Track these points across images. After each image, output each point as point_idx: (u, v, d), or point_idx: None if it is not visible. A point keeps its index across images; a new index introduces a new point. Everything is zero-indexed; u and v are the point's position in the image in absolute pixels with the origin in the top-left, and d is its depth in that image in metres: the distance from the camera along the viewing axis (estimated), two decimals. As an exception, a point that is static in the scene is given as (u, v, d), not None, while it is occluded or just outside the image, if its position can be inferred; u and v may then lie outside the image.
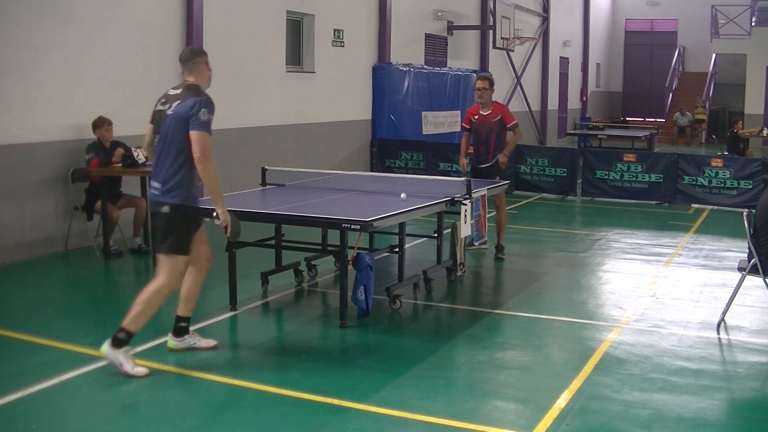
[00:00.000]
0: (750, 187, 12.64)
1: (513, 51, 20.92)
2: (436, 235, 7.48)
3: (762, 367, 5.49)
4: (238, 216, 5.58)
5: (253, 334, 6.16)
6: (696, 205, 12.94)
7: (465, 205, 7.05)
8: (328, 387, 4.92)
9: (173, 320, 5.57)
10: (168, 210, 5.17)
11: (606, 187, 13.60)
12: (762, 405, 4.94)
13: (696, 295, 7.33)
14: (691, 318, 6.58)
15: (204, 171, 5.09)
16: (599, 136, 22.82)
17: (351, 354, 5.75)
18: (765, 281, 6.09)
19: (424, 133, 16.05)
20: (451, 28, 18.20)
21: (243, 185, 8.53)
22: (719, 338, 6.11)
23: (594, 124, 26.64)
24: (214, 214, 5.22)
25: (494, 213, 8.96)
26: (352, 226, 5.84)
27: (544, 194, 13.93)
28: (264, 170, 7.83)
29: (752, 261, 6.13)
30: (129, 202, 8.81)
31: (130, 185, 8.97)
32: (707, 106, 28.00)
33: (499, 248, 8.79)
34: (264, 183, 7.78)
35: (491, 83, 8.73)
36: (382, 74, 14.97)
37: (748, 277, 6.25)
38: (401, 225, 6.80)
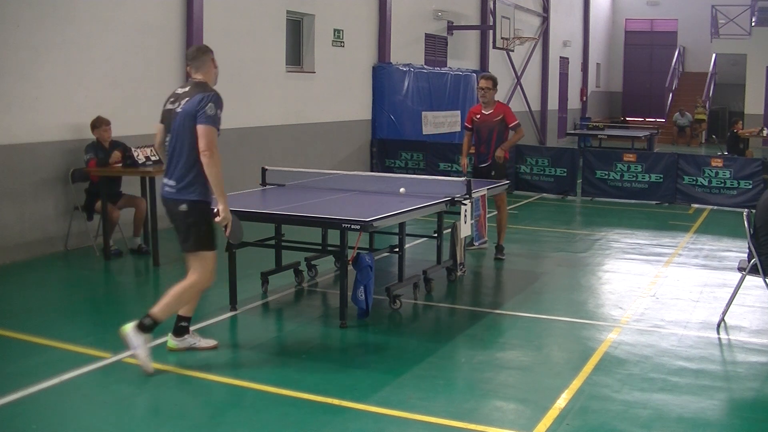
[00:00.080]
0: (750, 187, 12.64)
1: (513, 51, 20.92)
2: (436, 235, 7.48)
3: (762, 367, 5.50)
4: (240, 217, 5.57)
5: (253, 334, 6.16)
6: (696, 205, 12.94)
7: (465, 205, 7.05)
8: (328, 387, 4.92)
9: (173, 320, 5.56)
10: (186, 208, 5.20)
11: (606, 187, 13.60)
12: (762, 405, 4.94)
13: (696, 295, 7.33)
14: (691, 318, 6.58)
15: (208, 165, 5.10)
16: (599, 136, 22.82)
17: (351, 354, 5.75)
18: (765, 281, 6.09)
19: (424, 133, 16.05)
20: (451, 28, 18.20)
21: (243, 185, 8.53)
22: (719, 338, 6.11)
23: (594, 124, 26.64)
24: (215, 210, 5.21)
25: (495, 213, 8.96)
26: (352, 226, 5.84)
27: (544, 194, 13.93)
28: (264, 170, 7.83)
29: (752, 261, 6.13)
30: (129, 202, 8.81)
31: (130, 185, 8.97)
32: (707, 106, 28.00)
33: (499, 248, 8.79)
34: (264, 183, 7.78)
35: (495, 83, 8.73)
36: (382, 74, 14.97)
37: (748, 277, 6.26)
38: (401, 225, 6.80)
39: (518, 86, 22.41)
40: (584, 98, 29.37)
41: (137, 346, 5.11)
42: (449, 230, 7.64)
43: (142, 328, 5.15)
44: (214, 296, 6.73)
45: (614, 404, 4.76)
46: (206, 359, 5.42)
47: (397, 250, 7.00)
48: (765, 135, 19.27)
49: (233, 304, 6.57)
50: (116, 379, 5.12)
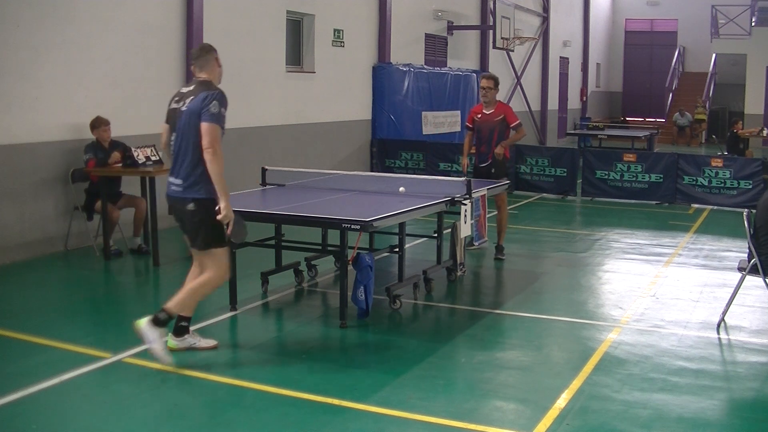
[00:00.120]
0: (750, 187, 12.64)
1: (513, 51, 20.92)
2: (436, 235, 7.48)
3: (762, 367, 5.50)
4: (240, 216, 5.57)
5: (253, 334, 6.16)
6: (696, 205, 12.94)
7: (465, 205, 7.05)
8: (328, 387, 4.93)
9: (174, 320, 5.56)
10: (193, 207, 5.23)
11: (606, 187, 13.60)
12: (762, 405, 4.94)
13: (696, 295, 7.33)
14: (691, 318, 6.58)
15: (211, 162, 5.11)
16: (599, 136, 22.81)
17: (351, 354, 5.75)
18: (765, 281, 6.09)
19: (424, 133, 16.05)
20: (451, 28, 18.20)
21: (243, 185, 8.53)
22: (719, 338, 6.11)
23: (594, 124, 26.64)
24: (217, 207, 5.21)
25: (495, 213, 8.96)
26: (352, 226, 5.84)
27: (544, 194, 13.93)
28: (264, 170, 7.83)
29: (752, 261, 6.13)
30: (129, 202, 8.81)
31: (130, 185, 8.97)
32: (707, 106, 28.00)
33: (499, 249, 8.79)
34: (264, 183, 7.78)
35: (496, 83, 8.73)
36: (382, 74, 14.97)
37: (748, 277, 6.26)
38: (401, 225, 6.80)
39: (518, 86, 22.41)
40: (584, 98, 29.37)
41: (153, 340, 5.18)
42: (449, 230, 7.64)
43: (157, 322, 5.21)
44: (214, 296, 6.70)
45: (614, 404, 4.76)
46: (206, 359, 5.42)
47: (397, 250, 7.00)
48: (765, 135, 19.28)
49: (233, 304, 6.57)
50: (116, 379, 5.13)
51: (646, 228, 11.12)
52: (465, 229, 7.20)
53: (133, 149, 8.37)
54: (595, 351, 5.71)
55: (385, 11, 15.02)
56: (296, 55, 13.13)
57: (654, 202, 13.19)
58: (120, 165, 8.42)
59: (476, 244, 8.06)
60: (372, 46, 14.98)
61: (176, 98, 5.37)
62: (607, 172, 13.59)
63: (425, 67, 16.44)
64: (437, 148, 14.78)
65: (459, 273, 7.73)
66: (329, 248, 7.23)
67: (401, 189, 7.08)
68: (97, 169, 8.31)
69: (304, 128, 12.98)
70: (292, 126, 12.64)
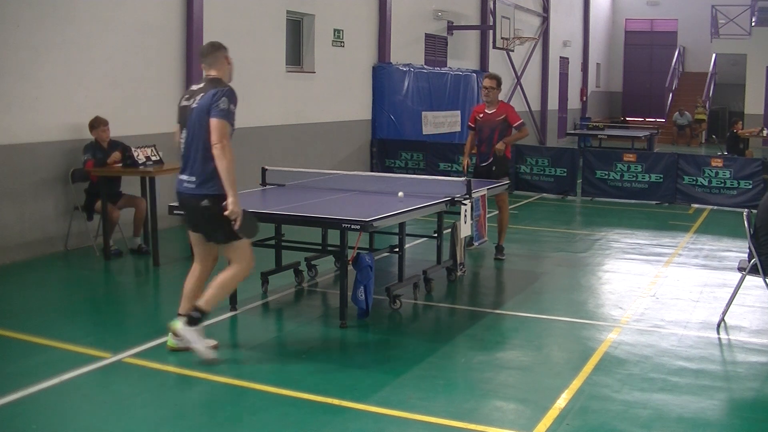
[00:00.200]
0: (750, 187, 12.64)
1: (513, 51, 20.92)
2: (436, 235, 7.48)
3: (762, 367, 5.50)
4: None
5: (253, 334, 6.16)
6: (696, 205, 12.94)
7: (465, 205, 7.05)
8: (328, 387, 4.93)
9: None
10: (208, 203, 5.24)
11: (606, 187, 13.60)
12: (762, 405, 4.94)
13: (696, 295, 7.33)
14: (691, 318, 6.58)
15: (219, 158, 5.13)
16: (599, 136, 22.81)
17: (351, 354, 5.75)
18: (765, 281, 6.09)
19: (424, 133, 16.05)
20: (451, 28, 18.20)
21: (243, 185, 8.47)
22: (719, 338, 6.11)
23: (594, 124, 26.64)
24: (224, 203, 5.21)
25: (495, 213, 8.95)
26: (352, 226, 5.85)
27: (544, 194, 13.93)
28: (264, 170, 7.83)
29: (752, 261, 6.13)
30: (129, 202, 8.81)
31: (130, 185, 8.97)
32: (707, 106, 28.00)
33: (499, 249, 8.79)
34: (264, 183, 7.78)
35: (499, 83, 8.74)
36: (382, 74, 14.97)
37: (748, 277, 6.26)
38: (401, 225, 6.80)
39: (518, 86, 22.41)
40: (584, 98, 29.37)
41: (194, 340, 5.26)
42: (449, 230, 7.64)
43: (192, 321, 5.29)
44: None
45: (614, 404, 4.76)
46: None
47: (397, 250, 7.00)
48: (765, 135, 19.28)
49: (233, 304, 6.57)
50: (116, 379, 5.13)
51: (646, 228, 11.12)
52: (465, 229, 7.19)
53: (133, 149, 8.37)
54: (595, 351, 5.71)
55: (385, 11, 15.02)
56: (296, 55, 13.13)
57: (654, 202, 13.19)
58: (120, 165, 8.42)
59: (476, 243, 8.06)
60: (372, 46, 14.98)
61: (186, 96, 5.40)
62: (607, 172, 13.59)
63: (425, 67, 16.44)
64: (437, 148, 14.78)
65: (459, 273, 7.73)
66: (329, 248, 7.24)
67: (400, 194, 7.05)
68: (97, 169, 8.31)
69: (304, 128, 12.98)
70: (292, 126, 12.64)
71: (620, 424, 4.49)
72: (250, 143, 11.47)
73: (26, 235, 8.40)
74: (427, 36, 17.31)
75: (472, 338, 6.05)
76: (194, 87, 5.42)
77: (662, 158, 13.42)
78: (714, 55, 28.02)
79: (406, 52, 16.14)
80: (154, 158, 8.48)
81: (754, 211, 6.37)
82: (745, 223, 6.31)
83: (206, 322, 6.12)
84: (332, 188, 7.73)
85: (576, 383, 5.07)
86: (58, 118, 8.67)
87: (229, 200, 5.17)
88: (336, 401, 4.71)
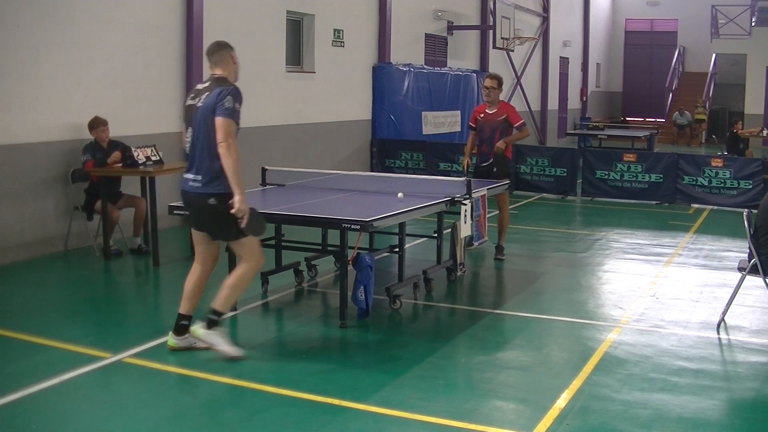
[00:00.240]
0: (750, 187, 12.64)
1: (513, 51, 20.92)
2: (436, 235, 7.48)
3: (762, 367, 5.49)
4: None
5: (253, 334, 6.16)
6: (696, 205, 12.94)
7: (465, 205, 7.05)
8: (328, 387, 4.93)
9: (174, 319, 5.57)
10: (215, 201, 5.25)
11: (606, 187, 13.60)
12: (762, 405, 4.94)
13: (696, 295, 7.33)
14: (691, 318, 6.58)
15: (225, 156, 5.14)
16: (599, 136, 22.81)
17: (351, 354, 5.75)
18: (765, 281, 6.09)
19: (424, 133, 16.05)
20: (451, 28, 18.20)
21: (243, 185, 8.52)
22: (719, 338, 6.11)
23: (594, 124, 26.64)
24: (230, 202, 5.21)
25: (496, 213, 8.95)
26: (352, 226, 5.84)
27: (544, 194, 13.93)
28: (264, 170, 7.83)
29: (752, 261, 6.13)
30: (129, 202, 8.81)
31: (130, 185, 8.97)
32: (707, 106, 28.00)
33: (499, 249, 8.79)
34: (264, 183, 7.78)
35: (500, 83, 8.74)
36: (382, 74, 14.97)
37: (748, 277, 6.26)
38: (401, 225, 6.80)
39: (518, 86, 22.41)
40: (584, 98, 29.37)
41: (218, 342, 5.36)
42: (449, 230, 7.64)
43: (212, 324, 5.36)
44: (213, 296, 6.72)
45: (614, 404, 4.76)
46: (206, 359, 5.42)
47: (397, 250, 7.00)
48: (765, 135, 19.28)
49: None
50: (116, 379, 5.13)
51: (646, 228, 11.12)
52: (465, 229, 7.19)
53: (133, 149, 8.37)
54: (595, 351, 5.71)
55: (385, 11, 15.02)
56: (296, 55, 13.13)
57: (654, 202, 13.19)
58: (120, 165, 8.42)
59: (476, 243, 8.07)
60: (372, 46, 14.98)
61: (192, 95, 5.41)
62: (607, 172, 13.59)
63: (425, 67, 16.44)
64: (437, 148, 14.78)
65: (459, 273, 7.73)
66: (329, 248, 7.24)
67: (399, 195, 7.06)
68: (97, 169, 8.31)
69: (304, 128, 12.98)
70: (292, 126, 12.64)
71: (620, 424, 4.49)
72: (250, 143, 11.46)
73: (26, 235, 8.40)
74: (427, 36, 17.31)
75: (472, 338, 6.05)
76: (200, 86, 5.43)
77: (662, 158, 13.42)
78: (714, 55, 28.02)
79: (406, 52, 16.14)
80: (154, 158, 8.48)
81: (754, 211, 6.37)
82: (745, 223, 6.30)
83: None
84: (332, 188, 7.73)
85: (576, 383, 5.07)
86: (58, 118, 8.67)
87: (236, 199, 5.18)
88: (336, 401, 4.71)
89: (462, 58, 19.01)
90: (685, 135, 27.24)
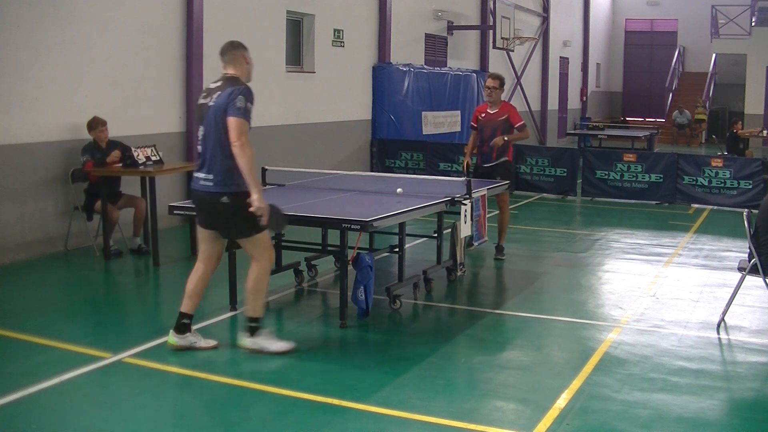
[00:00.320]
0: (750, 187, 12.64)
1: (513, 51, 20.92)
2: (436, 235, 7.48)
3: (762, 367, 5.50)
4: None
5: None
6: (696, 205, 12.94)
7: (465, 205, 7.05)
8: (328, 387, 4.93)
9: (174, 320, 5.57)
10: (228, 200, 5.27)
11: (606, 187, 13.60)
12: (762, 405, 4.95)
13: (696, 295, 7.33)
14: (691, 318, 6.58)
15: (239, 155, 5.17)
16: (599, 136, 22.80)
17: (351, 354, 5.75)
18: (765, 281, 6.09)
19: (424, 133, 16.05)
20: (451, 28, 18.20)
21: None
22: (719, 338, 6.11)
23: (594, 124, 26.63)
24: (247, 200, 5.23)
25: (496, 213, 8.95)
26: (352, 226, 5.84)
27: (544, 194, 13.93)
28: (264, 170, 7.82)
29: (752, 261, 6.13)
30: (129, 202, 8.81)
31: (130, 185, 8.97)
32: (707, 106, 28.00)
33: (499, 249, 8.79)
34: (264, 183, 7.77)
35: (502, 83, 8.75)
36: (382, 74, 14.97)
37: (748, 277, 6.26)
38: (401, 225, 6.80)
39: (518, 86, 22.40)
40: (584, 98, 29.37)
41: (266, 346, 5.48)
42: (449, 230, 7.64)
43: (255, 330, 5.47)
44: (214, 296, 6.73)
45: (614, 404, 4.76)
46: (206, 359, 5.42)
47: (397, 250, 7.00)
48: (765, 135, 19.28)
49: (233, 304, 6.58)
50: (116, 379, 5.13)
51: (646, 228, 11.12)
52: (465, 229, 7.19)
53: (133, 149, 8.37)
54: (595, 351, 5.71)
55: (385, 11, 15.02)
56: (296, 55, 13.13)
57: (654, 202, 13.19)
58: (120, 165, 8.42)
59: (476, 243, 8.07)
60: (372, 46, 14.98)
61: (204, 94, 5.43)
62: (607, 172, 13.59)
63: (425, 67, 16.44)
64: (437, 148, 14.77)
65: (459, 273, 7.73)
66: (329, 248, 7.24)
67: (399, 190, 7.08)
68: (97, 170, 8.30)
69: (304, 128, 12.98)
70: (292, 126, 12.64)
71: (620, 424, 4.49)
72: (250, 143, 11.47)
73: (26, 235, 8.40)
74: (427, 36, 17.31)
75: (472, 338, 6.05)
76: (212, 85, 5.44)
77: (662, 158, 13.42)
78: (714, 55, 28.02)
79: (406, 52, 16.14)
80: (154, 158, 8.48)
81: (755, 211, 6.37)
82: (745, 223, 6.31)
83: (207, 322, 6.15)
84: (332, 188, 7.73)
85: (576, 383, 5.07)
86: (58, 118, 8.67)
87: (254, 197, 5.22)
88: (336, 401, 4.71)
89: (462, 58, 19.01)
90: (685, 135, 27.24)
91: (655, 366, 5.43)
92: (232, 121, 5.16)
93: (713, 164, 12.97)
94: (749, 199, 12.36)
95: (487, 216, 7.80)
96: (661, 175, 13.20)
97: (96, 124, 8.56)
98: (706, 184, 12.94)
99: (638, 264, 8.72)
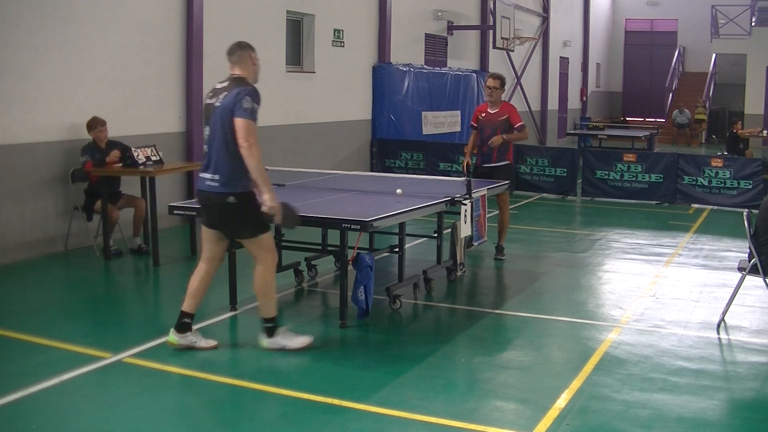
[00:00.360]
0: (750, 187, 12.64)
1: (513, 51, 20.92)
2: (436, 235, 7.48)
3: (762, 367, 5.49)
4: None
5: (253, 334, 6.13)
6: (696, 205, 12.94)
7: (465, 205, 7.05)
8: (328, 387, 4.93)
9: (174, 319, 5.57)
10: (234, 200, 5.29)
11: (606, 187, 13.60)
12: (762, 405, 4.94)
13: (696, 295, 7.33)
14: (691, 318, 6.58)
15: (248, 157, 5.18)
16: (599, 136, 22.80)
17: (351, 354, 5.75)
18: (765, 281, 6.09)
19: (424, 133, 16.05)
20: (451, 28, 18.20)
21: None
22: (719, 338, 6.11)
23: (594, 124, 26.63)
24: (255, 201, 5.26)
25: (496, 213, 8.94)
26: (352, 226, 5.84)
27: (544, 194, 13.93)
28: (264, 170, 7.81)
29: (752, 261, 6.13)
30: (128, 202, 8.81)
31: (130, 185, 8.97)
32: (707, 106, 28.00)
33: (499, 249, 8.78)
34: (264, 183, 7.76)
35: (503, 83, 8.75)
36: (382, 74, 14.97)
37: (748, 277, 6.26)
38: (401, 225, 6.80)
39: (518, 86, 22.40)
40: (584, 98, 29.37)
41: (285, 344, 5.53)
42: (449, 230, 7.64)
43: (270, 332, 5.52)
44: (214, 296, 6.73)
45: (614, 404, 4.76)
46: (206, 359, 5.42)
47: (397, 250, 7.00)
48: (765, 135, 19.28)
49: (233, 304, 6.58)
50: (116, 379, 5.13)
51: (646, 228, 11.12)
52: (465, 229, 7.19)
53: (133, 149, 8.37)
54: (595, 351, 5.71)
55: (385, 11, 15.02)
56: (296, 55, 13.13)
57: (654, 202, 13.19)
58: (120, 165, 8.42)
59: (475, 243, 8.07)
60: (372, 46, 14.98)
61: (210, 94, 5.44)
62: (607, 172, 13.59)
63: (425, 67, 16.44)
64: (437, 148, 14.77)
65: (459, 273, 7.73)
66: (329, 248, 7.23)
67: (398, 191, 7.07)
68: (97, 170, 8.30)
69: (304, 128, 12.98)
70: (292, 126, 12.64)
71: (620, 424, 4.49)
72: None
73: (26, 235, 8.40)
74: (427, 36, 17.31)
75: (472, 338, 6.05)
76: (218, 85, 5.45)
77: (662, 158, 13.42)
78: (714, 55, 28.02)
79: (406, 52, 16.14)
80: (154, 158, 8.48)
81: (755, 211, 6.37)
82: (745, 223, 6.31)
83: (207, 322, 6.15)
84: (332, 188, 7.73)
85: (576, 383, 5.07)
86: (58, 118, 8.67)
87: (266, 197, 5.25)
88: (336, 401, 4.71)
89: (462, 58, 19.01)
90: (685, 135, 27.24)
91: (655, 366, 5.43)
92: (240, 123, 5.17)
93: (713, 164, 12.97)
94: (749, 199, 12.36)
95: (487, 216, 7.79)
96: (661, 175, 13.20)
97: (95, 124, 8.55)
98: (706, 184, 12.94)
99: (638, 264, 8.72)
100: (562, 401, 4.77)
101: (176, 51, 10.29)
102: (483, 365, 5.47)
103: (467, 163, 8.92)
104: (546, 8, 24.39)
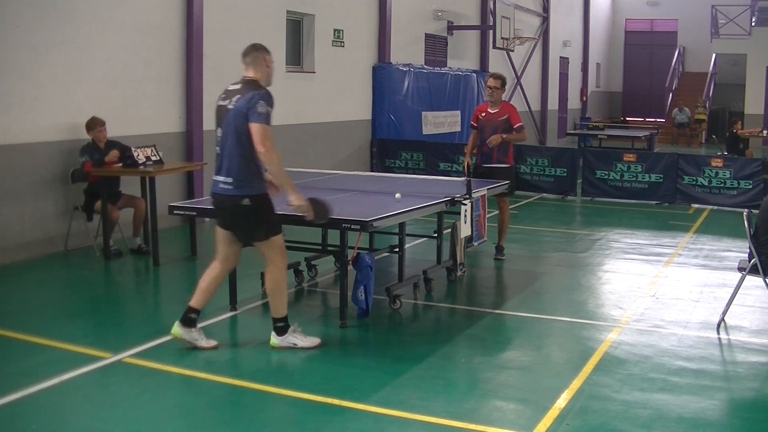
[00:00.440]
0: (750, 187, 12.64)
1: (513, 51, 20.92)
2: (436, 235, 7.48)
3: (762, 367, 5.50)
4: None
5: (253, 334, 6.15)
6: (696, 205, 12.94)
7: (465, 205, 7.05)
8: (328, 387, 4.93)
9: (174, 319, 5.57)
10: (249, 202, 5.31)
11: (606, 187, 13.60)
12: (762, 405, 4.95)
13: (696, 295, 7.33)
14: (691, 318, 6.58)
15: (268, 161, 5.22)
16: (599, 136, 22.81)
17: (351, 354, 5.75)
18: (765, 281, 6.09)
19: (424, 133, 16.05)
20: (451, 28, 18.20)
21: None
22: (719, 338, 6.11)
23: (594, 124, 26.63)
24: (267, 203, 5.29)
25: (496, 213, 8.94)
26: (352, 226, 5.84)
27: (544, 194, 13.93)
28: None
29: (752, 261, 6.13)
30: (128, 202, 8.81)
31: (130, 185, 8.96)
32: (707, 106, 28.00)
33: (499, 249, 8.78)
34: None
35: (503, 83, 8.75)
36: (382, 74, 14.97)
37: (748, 277, 6.26)
38: (401, 225, 6.80)
39: (518, 86, 22.40)
40: (584, 98, 29.37)
41: (295, 343, 5.55)
42: (449, 230, 7.64)
43: (280, 331, 5.53)
44: (214, 296, 6.69)
45: (614, 404, 4.76)
46: (206, 359, 5.42)
47: (397, 250, 7.00)
48: (765, 135, 19.28)
49: (233, 304, 6.58)
50: (116, 379, 5.13)
51: (646, 228, 11.12)
52: (465, 229, 7.19)
53: (133, 149, 8.36)
54: (595, 351, 5.71)
55: (385, 11, 15.02)
56: (296, 55, 13.13)
57: (654, 202, 13.19)
58: (120, 165, 8.41)
59: (475, 243, 8.07)
60: (372, 46, 14.98)
61: (223, 96, 5.44)
62: (607, 172, 13.59)
63: (425, 67, 16.44)
64: (437, 148, 14.77)
65: (459, 273, 7.73)
66: (329, 248, 7.23)
67: (397, 195, 7.05)
68: (97, 170, 8.30)
69: (304, 128, 12.98)
70: (292, 126, 12.64)
71: (620, 424, 4.49)
72: (250, 143, 11.47)
73: (26, 235, 8.40)
74: (427, 36, 17.31)
75: (472, 338, 6.05)
76: (231, 87, 5.45)
77: (662, 158, 13.42)
78: (714, 55, 28.02)
79: (406, 52, 16.14)
80: (154, 158, 8.48)
81: (755, 211, 6.37)
82: (745, 223, 6.31)
83: (207, 322, 6.15)
84: (332, 188, 7.73)
85: (576, 383, 5.07)
86: (57, 118, 8.67)
87: (291, 197, 5.31)
88: (336, 401, 4.71)
89: (462, 58, 19.01)
90: (685, 135, 27.24)
91: (655, 366, 5.43)
92: (256, 128, 5.19)
93: (713, 164, 12.97)
94: (749, 199, 12.36)
95: (487, 216, 7.79)
96: (661, 175, 13.20)
97: (94, 124, 8.55)
98: (706, 184, 12.94)
99: (638, 264, 8.72)
100: (562, 401, 4.77)
101: (176, 51, 10.29)
102: (483, 365, 5.47)
103: (467, 163, 8.91)
104: (546, 8, 24.39)
